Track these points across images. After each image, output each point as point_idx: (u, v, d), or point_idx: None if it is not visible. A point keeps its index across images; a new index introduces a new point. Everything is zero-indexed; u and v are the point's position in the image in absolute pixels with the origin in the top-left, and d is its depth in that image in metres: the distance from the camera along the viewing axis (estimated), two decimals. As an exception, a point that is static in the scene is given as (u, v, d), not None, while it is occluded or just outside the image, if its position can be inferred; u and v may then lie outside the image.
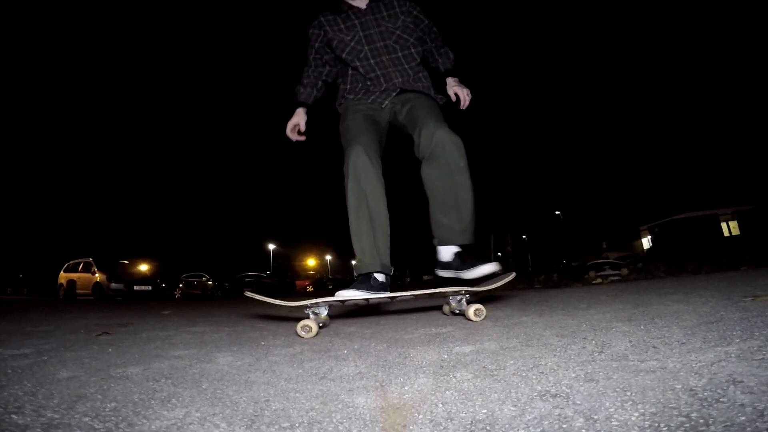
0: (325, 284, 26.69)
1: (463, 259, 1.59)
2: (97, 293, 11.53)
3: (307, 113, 1.85)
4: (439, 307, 1.91)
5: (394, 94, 1.73)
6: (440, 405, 0.63)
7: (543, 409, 0.57)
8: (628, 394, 0.59)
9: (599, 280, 3.85)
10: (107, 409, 0.68)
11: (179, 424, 0.61)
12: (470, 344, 1.06)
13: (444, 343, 1.10)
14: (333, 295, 1.47)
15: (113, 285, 11.60)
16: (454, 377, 0.77)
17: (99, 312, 3.23)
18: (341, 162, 1.63)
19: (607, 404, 0.56)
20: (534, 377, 0.72)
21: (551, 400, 0.60)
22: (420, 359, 0.94)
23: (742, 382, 0.58)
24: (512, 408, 0.59)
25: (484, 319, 1.45)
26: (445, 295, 1.60)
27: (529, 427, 0.52)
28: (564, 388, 0.65)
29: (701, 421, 0.48)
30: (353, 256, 1.58)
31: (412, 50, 1.75)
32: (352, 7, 1.74)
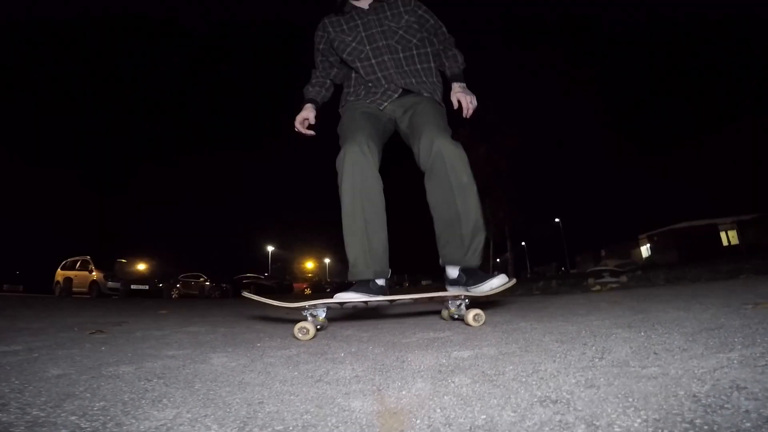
0: (323, 287, 26.63)
1: (471, 274, 1.52)
2: (93, 291, 11.47)
3: (316, 110, 1.80)
4: (438, 312, 1.89)
5: (395, 96, 1.67)
6: (438, 410, 0.62)
7: (543, 415, 0.56)
8: (630, 400, 0.57)
9: (598, 288, 3.83)
10: (95, 408, 0.66)
11: (169, 425, 0.60)
12: (469, 349, 1.04)
13: (442, 348, 1.08)
14: (331, 297, 1.46)
15: (110, 283, 11.56)
16: (453, 382, 0.76)
17: (94, 310, 3.21)
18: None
19: (609, 410, 0.55)
20: (534, 383, 0.71)
21: (552, 406, 0.59)
22: (418, 363, 0.93)
23: (746, 388, 0.57)
24: (512, 414, 0.58)
25: (482, 324, 1.43)
26: (444, 300, 1.58)
27: (529, 433, 0.51)
28: (564, 394, 0.63)
29: (705, 427, 0.47)
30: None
31: (414, 51, 1.68)
32: (355, 7, 1.71)
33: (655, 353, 0.82)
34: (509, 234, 22.18)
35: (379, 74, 1.67)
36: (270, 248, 41.90)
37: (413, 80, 1.67)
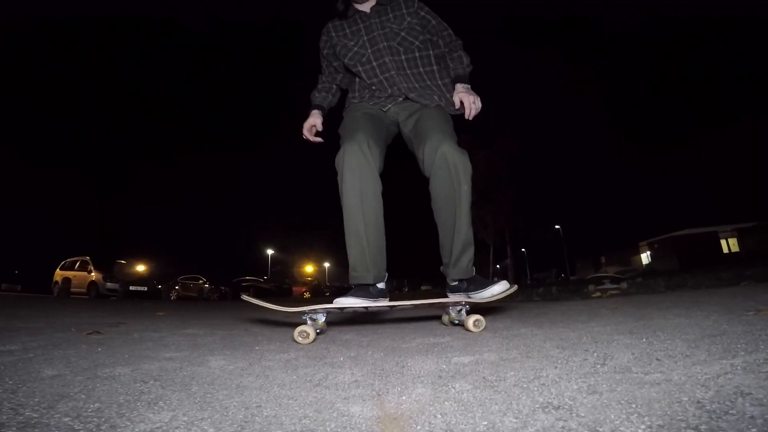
0: (322, 291, 26.52)
1: (472, 280, 1.51)
2: (92, 292, 11.43)
3: (323, 116, 1.79)
4: (438, 317, 1.88)
5: (400, 99, 1.65)
6: (439, 416, 0.61)
7: (546, 422, 0.55)
8: (634, 406, 0.57)
9: (598, 294, 3.81)
10: (90, 410, 0.65)
11: (165, 427, 0.59)
12: (469, 355, 1.03)
13: (443, 353, 1.07)
14: (330, 302, 1.45)
15: (109, 284, 11.52)
16: (453, 388, 0.75)
17: (92, 311, 3.19)
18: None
19: (612, 417, 0.54)
20: (535, 389, 0.70)
21: (554, 412, 0.58)
22: (418, 369, 0.92)
23: (750, 394, 0.56)
24: (514, 420, 0.57)
25: (483, 330, 1.42)
26: (444, 305, 1.57)
27: (531, 440, 0.50)
28: (567, 400, 0.62)
29: (711, 436, 0.46)
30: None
31: (417, 54, 1.65)
32: (358, 11, 1.69)
33: (657, 359, 0.81)
34: (509, 240, 22.12)
35: (381, 77, 1.65)
36: (270, 251, 41.83)
37: (417, 85, 1.64)
